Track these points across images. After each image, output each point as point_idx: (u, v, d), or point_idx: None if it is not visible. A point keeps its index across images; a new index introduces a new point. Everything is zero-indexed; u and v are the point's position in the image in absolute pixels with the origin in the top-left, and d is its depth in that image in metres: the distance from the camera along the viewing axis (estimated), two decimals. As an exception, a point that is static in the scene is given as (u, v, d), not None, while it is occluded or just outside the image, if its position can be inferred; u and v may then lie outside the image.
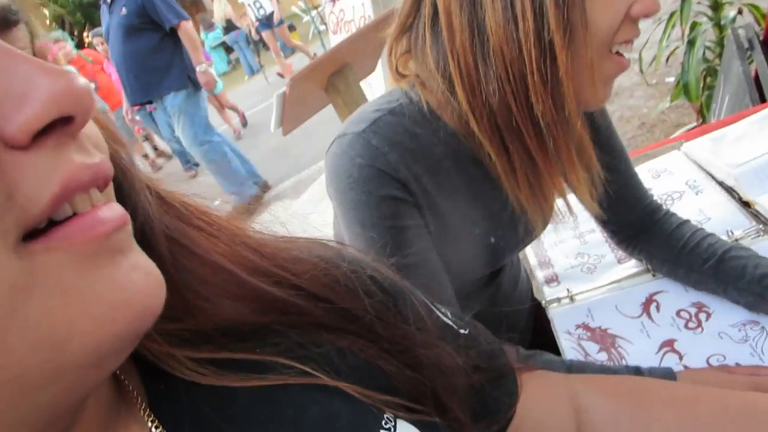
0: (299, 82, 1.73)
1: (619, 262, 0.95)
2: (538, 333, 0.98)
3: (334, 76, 1.79)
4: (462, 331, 0.45)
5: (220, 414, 0.30)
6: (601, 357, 0.80)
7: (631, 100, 3.61)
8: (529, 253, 1.07)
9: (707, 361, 0.73)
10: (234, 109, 7.28)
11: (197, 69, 3.57)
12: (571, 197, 0.78)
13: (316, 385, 0.32)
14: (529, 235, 0.82)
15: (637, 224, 0.86)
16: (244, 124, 7.29)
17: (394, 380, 0.35)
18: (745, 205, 0.93)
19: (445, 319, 0.44)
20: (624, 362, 0.78)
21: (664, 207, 0.88)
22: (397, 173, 0.64)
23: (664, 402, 0.48)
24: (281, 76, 9.01)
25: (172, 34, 3.46)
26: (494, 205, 0.73)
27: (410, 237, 0.66)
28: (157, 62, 3.50)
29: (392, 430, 0.32)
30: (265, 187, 4.79)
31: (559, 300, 0.92)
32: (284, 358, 0.32)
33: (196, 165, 5.98)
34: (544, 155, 0.65)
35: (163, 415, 0.30)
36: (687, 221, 0.85)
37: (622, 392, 0.51)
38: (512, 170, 0.67)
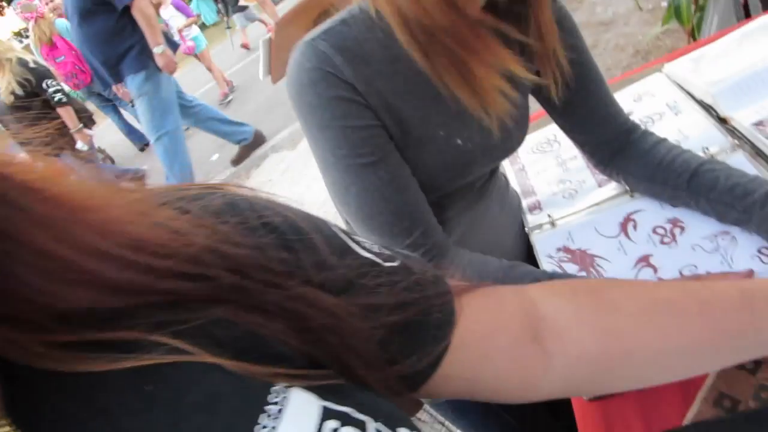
0: (284, 26, 1.71)
1: (600, 185, 0.97)
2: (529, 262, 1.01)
3: (320, 18, 1.77)
4: (388, 264, 0.42)
5: (86, 405, 0.27)
6: (581, 275, 0.83)
7: (626, 28, 3.55)
8: (513, 184, 1.09)
9: (680, 272, 0.76)
10: (217, 76, 7.03)
11: (154, 51, 3.37)
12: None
13: (193, 363, 0.29)
14: (506, 142, 0.83)
15: (614, 144, 0.87)
16: (231, 90, 7.09)
17: (284, 346, 0.33)
18: (722, 122, 0.94)
19: (366, 254, 0.42)
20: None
21: (643, 127, 0.90)
22: (343, 75, 0.67)
23: (624, 292, 0.49)
24: (246, 47, 8.79)
25: (128, 14, 3.25)
26: (454, 105, 0.74)
27: (365, 137, 0.69)
28: (116, 45, 3.33)
29: (283, 401, 0.30)
30: (260, 139, 4.76)
31: (541, 226, 0.95)
32: (156, 335, 0.29)
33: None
34: (462, 47, 0.67)
35: (20, 415, 0.27)
36: (664, 139, 0.86)
37: (580, 292, 0.49)
38: (436, 66, 0.69)
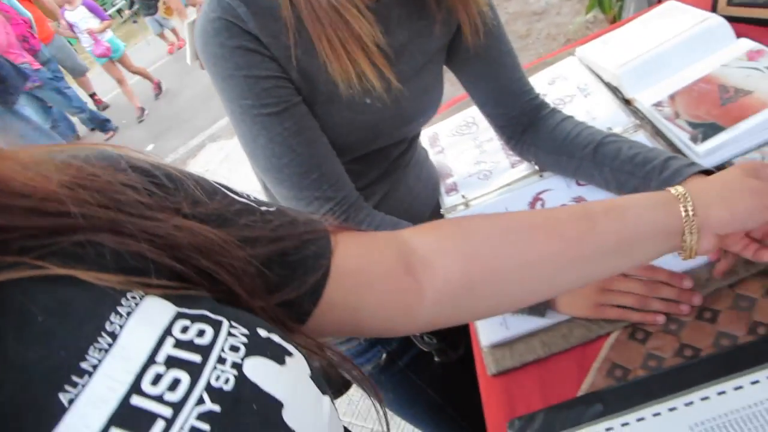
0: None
1: (513, 166, 0.98)
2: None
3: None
4: (263, 208, 0.46)
5: None
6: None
7: (558, 18, 3.63)
8: (433, 166, 1.10)
9: (581, 249, 0.78)
10: (144, 75, 6.69)
11: None
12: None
13: (47, 276, 0.31)
14: (417, 107, 0.83)
15: (524, 119, 0.89)
16: (158, 94, 6.74)
17: (148, 262, 0.34)
18: (627, 103, 0.97)
19: (240, 198, 0.45)
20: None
21: (551, 105, 0.91)
22: (246, 25, 0.67)
23: (484, 222, 0.54)
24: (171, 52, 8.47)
25: None
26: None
27: (269, 87, 0.69)
28: None
29: (135, 305, 0.32)
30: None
31: (455, 207, 0.96)
32: (17, 257, 0.30)
33: (108, 122, 5.72)
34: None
35: None
36: (571, 117, 0.88)
37: (444, 225, 0.55)
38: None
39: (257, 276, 0.41)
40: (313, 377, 0.36)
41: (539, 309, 0.72)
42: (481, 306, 0.55)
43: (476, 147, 1.08)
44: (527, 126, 0.90)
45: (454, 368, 1.04)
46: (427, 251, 0.52)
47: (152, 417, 0.28)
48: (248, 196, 0.46)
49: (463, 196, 0.96)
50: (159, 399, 0.28)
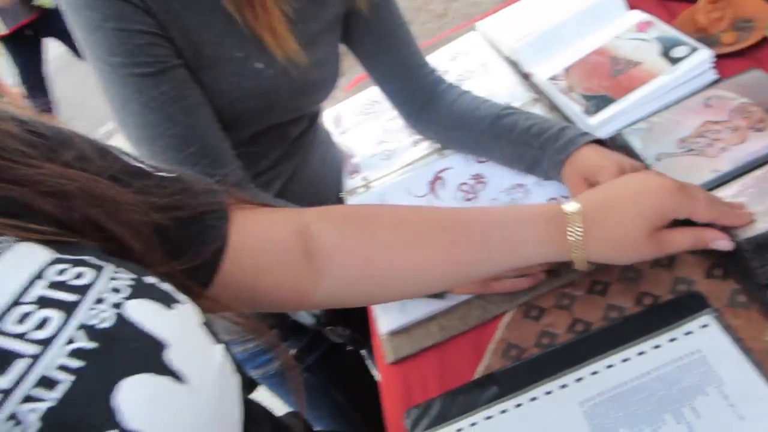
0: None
1: (415, 144, 0.96)
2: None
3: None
4: (161, 174, 0.45)
5: None
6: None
7: (475, -5, 3.64)
8: (336, 148, 1.05)
9: (479, 228, 0.76)
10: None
11: None
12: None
13: None
14: (314, 77, 0.79)
15: (421, 95, 0.87)
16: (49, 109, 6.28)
17: (22, 208, 0.33)
18: (525, 77, 0.96)
19: (135, 163, 0.44)
20: (409, 240, 0.79)
21: (449, 81, 0.89)
22: None
23: (385, 222, 0.55)
24: None
25: None
26: (246, 26, 0.69)
27: (143, 44, 0.63)
28: None
29: (5, 248, 0.30)
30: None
31: (355, 190, 0.92)
32: None
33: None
34: None
35: None
36: (469, 91, 0.87)
37: (350, 220, 0.56)
38: None
39: (151, 238, 0.40)
40: (206, 325, 0.35)
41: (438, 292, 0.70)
42: (375, 297, 0.61)
43: (379, 126, 1.04)
44: (425, 102, 0.87)
45: (362, 366, 1.02)
46: (328, 244, 0.54)
47: (11, 355, 0.26)
48: (144, 162, 0.45)
49: (364, 178, 0.93)
50: (21, 336, 0.27)
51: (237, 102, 0.72)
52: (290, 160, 0.87)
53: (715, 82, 0.76)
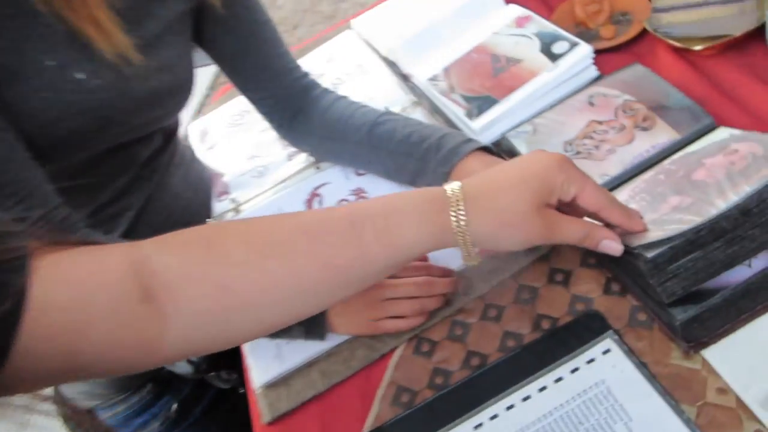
0: None
1: (290, 158, 0.86)
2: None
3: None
4: None
5: None
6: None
7: (361, -5, 3.57)
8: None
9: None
10: None
11: None
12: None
13: None
14: (157, 88, 0.66)
15: (292, 103, 0.78)
16: None
17: None
18: (405, 79, 0.88)
19: None
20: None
21: (323, 86, 0.80)
22: None
23: (236, 238, 0.45)
24: None
25: None
26: (59, 24, 0.55)
27: None
28: None
29: None
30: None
31: (223, 215, 0.81)
32: None
33: None
34: None
35: None
36: (345, 97, 0.78)
37: (192, 244, 0.45)
38: None
39: None
40: None
41: (317, 331, 0.60)
42: (240, 332, 0.48)
43: (251, 139, 0.93)
44: (297, 110, 0.78)
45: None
46: (170, 276, 0.44)
47: None
48: None
49: (233, 200, 0.82)
50: None
51: (56, 123, 0.59)
52: (142, 188, 0.74)
53: (597, 79, 0.72)
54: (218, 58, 0.76)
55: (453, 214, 0.44)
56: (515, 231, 0.45)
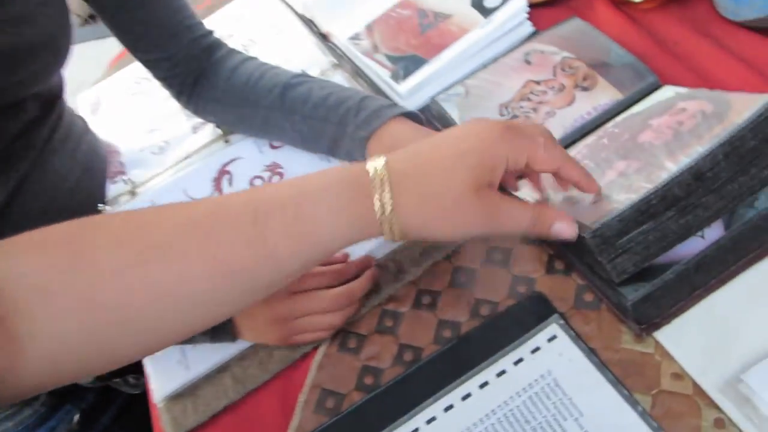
0: None
1: (195, 131, 0.75)
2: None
3: None
4: None
5: None
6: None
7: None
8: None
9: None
10: None
11: None
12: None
13: None
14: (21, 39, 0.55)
15: (192, 66, 0.68)
16: None
17: None
18: (324, 38, 0.79)
19: None
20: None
21: (230, 46, 0.70)
22: None
23: (109, 238, 0.36)
24: None
25: None
26: None
27: None
28: None
29: None
30: None
31: (117, 199, 0.70)
32: None
33: None
34: None
35: None
36: (254, 58, 0.69)
37: (53, 245, 0.36)
38: None
39: None
40: None
41: (224, 337, 0.52)
42: (123, 354, 0.38)
43: (150, 110, 0.82)
44: (199, 74, 0.68)
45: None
46: (23, 289, 0.34)
47: None
48: None
49: (129, 180, 0.71)
50: None
51: None
52: (13, 167, 0.63)
53: (532, 36, 0.66)
54: (100, 9, 0.65)
55: (377, 199, 0.37)
56: (451, 220, 0.38)
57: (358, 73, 0.72)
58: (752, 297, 0.42)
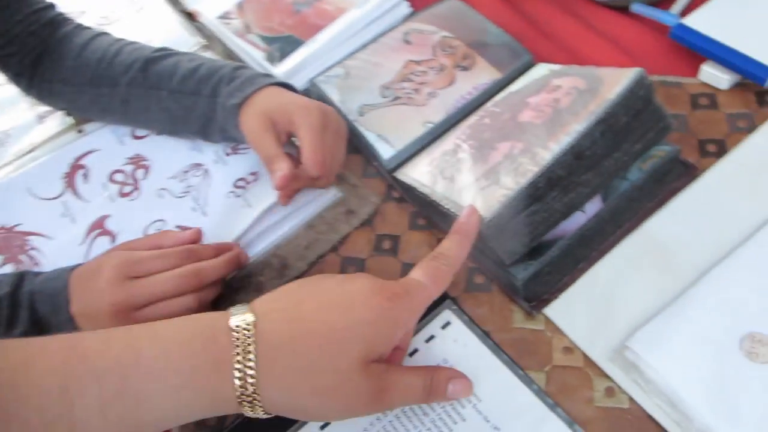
0: None
1: (40, 120, 0.66)
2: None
3: None
4: None
5: None
6: (8, 270, 0.53)
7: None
8: None
9: (144, 232, 0.53)
10: None
11: None
12: None
13: None
14: None
15: (32, 43, 0.58)
16: None
17: None
18: (191, 17, 0.73)
19: None
20: (39, 268, 0.52)
21: (77, 22, 0.62)
22: None
23: None
24: None
25: None
26: None
27: None
28: None
29: None
30: None
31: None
32: None
33: None
34: None
35: None
36: (106, 33, 0.61)
37: None
38: None
39: None
40: None
41: None
42: None
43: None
44: (41, 53, 0.59)
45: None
46: None
47: None
48: None
49: (-41, 181, 0.60)
50: None
51: None
52: None
53: (411, 16, 0.64)
54: None
55: (238, 369, 0.30)
56: (332, 400, 0.32)
57: (230, 55, 0.67)
58: (630, 265, 0.44)
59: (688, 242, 0.44)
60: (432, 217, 0.49)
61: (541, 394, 0.39)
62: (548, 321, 0.43)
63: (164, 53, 0.57)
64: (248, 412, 0.31)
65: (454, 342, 0.42)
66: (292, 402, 0.31)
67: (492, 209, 0.38)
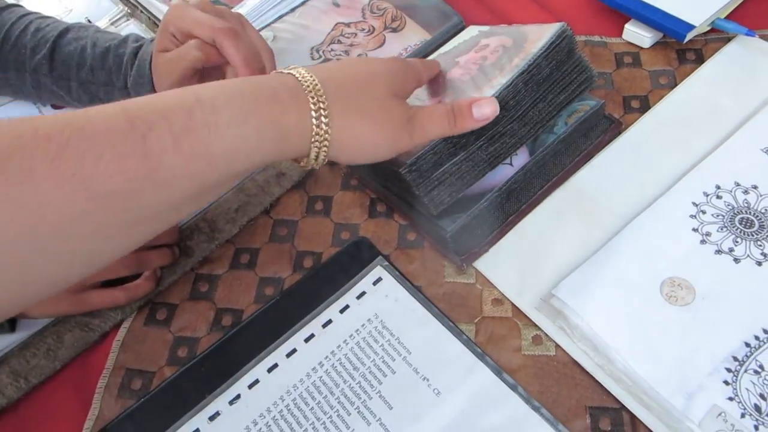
0: None
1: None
2: None
3: None
4: None
5: None
6: None
7: None
8: None
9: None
10: None
11: None
12: None
13: None
14: None
15: None
16: None
17: None
18: (114, -15, 0.70)
19: None
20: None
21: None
22: None
23: None
24: None
25: None
26: None
27: None
28: None
29: None
30: None
31: None
32: None
33: None
34: None
35: None
36: (15, 5, 0.57)
37: None
38: None
39: None
40: None
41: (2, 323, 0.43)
42: None
43: None
44: None
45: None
46: None
47: None
48: None
49: None
50: None
51: None
52: None
53: (341, -20, 0.63)
54: None
55: (313, 106, 0.33)
56: (377, 124, 0.35)
57: (155, 22, 0.64)
58: (558, 218, 0.44)
59: (613, 194, 0.45)
60: (363, 176, 0.49)
61: (470, 344, 0.39)
62: (479, 274, 0.43)
63: (70, 37, 0.52)
64: (311, 156, 0.34)
65: (385, 297, 0.42)
66: (348, 130, 0.34)
67: (415, 153, 0.38)
